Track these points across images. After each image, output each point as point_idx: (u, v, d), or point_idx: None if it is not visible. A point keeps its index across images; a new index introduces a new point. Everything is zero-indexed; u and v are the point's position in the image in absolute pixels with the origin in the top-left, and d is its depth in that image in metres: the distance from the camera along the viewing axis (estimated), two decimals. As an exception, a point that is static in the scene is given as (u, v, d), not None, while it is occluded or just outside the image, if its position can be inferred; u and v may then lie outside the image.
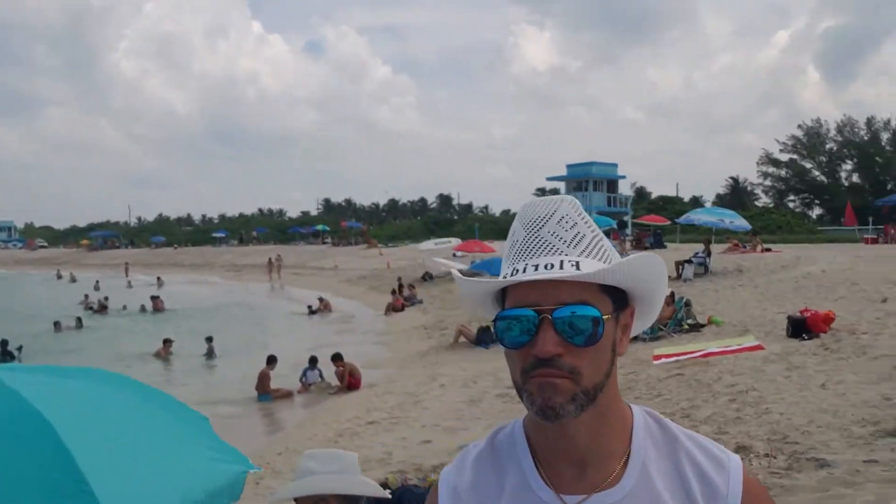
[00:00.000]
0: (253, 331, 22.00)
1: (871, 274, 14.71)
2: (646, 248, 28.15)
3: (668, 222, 33.59)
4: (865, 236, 28.08)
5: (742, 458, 4.11)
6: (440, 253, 30.29)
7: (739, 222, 18.79)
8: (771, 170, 61.65)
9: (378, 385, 12.31)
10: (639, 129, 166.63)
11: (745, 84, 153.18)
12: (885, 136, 57.84)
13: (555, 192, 53.60)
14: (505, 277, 1.03)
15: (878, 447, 5.35)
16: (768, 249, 23.04)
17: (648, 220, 34.61)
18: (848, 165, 60.21)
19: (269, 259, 43.49)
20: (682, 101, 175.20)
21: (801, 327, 9.57)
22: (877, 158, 57.33)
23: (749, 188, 66.31)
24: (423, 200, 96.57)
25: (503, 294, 1.06)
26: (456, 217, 76.04)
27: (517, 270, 1.01)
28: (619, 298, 1.04)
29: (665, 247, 28.46)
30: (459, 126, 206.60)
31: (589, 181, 45.31)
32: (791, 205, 60.76)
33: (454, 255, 30.15)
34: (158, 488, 2.39)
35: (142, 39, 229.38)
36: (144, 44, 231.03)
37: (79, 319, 23.56)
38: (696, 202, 62.79)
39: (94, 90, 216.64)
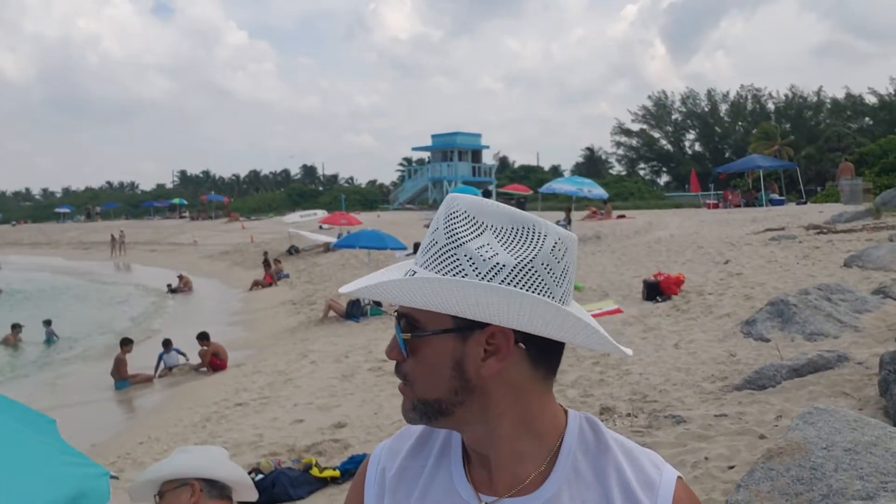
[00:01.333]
0: (104, 313, 20.65)
1: (714, 237, 15.87)
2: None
3: (531, 191, 34.64)
4: (707, 202, 30.25)
5: (606, 420, 4.16)
6: (306, 225, 29.65)
7: (597, 191, 19.68)
8: (623, 139, 65.00)
9: (245, 364, 11.90)
10: (500, 99, 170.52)
11: (598, 55, 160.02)
12: (723, 107, 62.41)
13: (421, 162, 53.88)
14: None
15: (726, 401, 5.77)
16: (623, 216, 24.32)
17: (512, 188, 35.56)
18: (691, 135, 64.55)
19: (112, 235, 40.95)
20: (540, 71, 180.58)
21: (655, 290, 10.17)
22: (716, 128, 61.84)
23: (604, 157, 69.68)
24: (286, 171, 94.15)
25: None
26: (321, 188, 74.68)
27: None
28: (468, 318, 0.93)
29: (528, 215, 29.35)
30: (321, 95, 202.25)
31: (454, 151, 45.81)
32: (642, 172, 64.46)
33: (320, 227, 29.61)
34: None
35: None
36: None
37: None
38: (556, 171, 65.25)
39: None
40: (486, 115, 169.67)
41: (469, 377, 0.94)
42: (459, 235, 0.92)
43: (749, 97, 61.10)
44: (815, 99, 56.55)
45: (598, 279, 13.05)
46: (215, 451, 2.60)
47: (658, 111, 63.65)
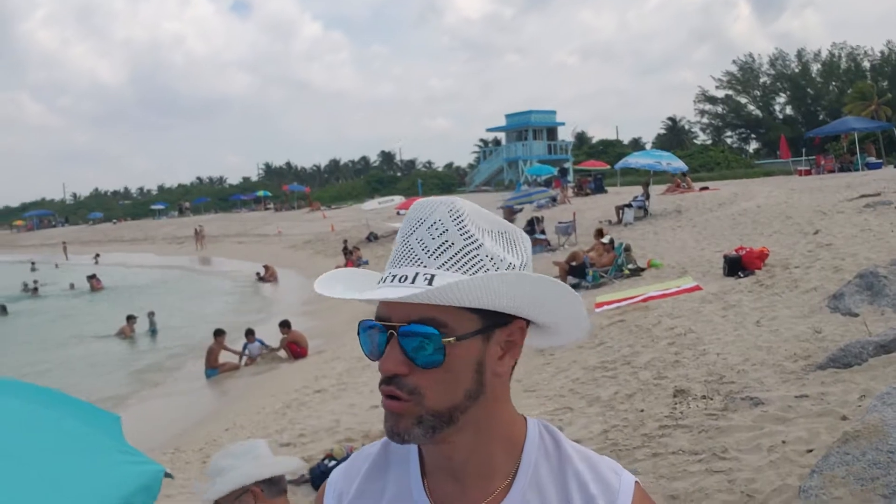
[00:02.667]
0: (197, 304, 21.58)
1: (804, 206, 15.09)
2: (587, 194, 28.42)
3: (608, 166, 33.90)
4: (799, 168, 28.76)
5: (679, 403, 4.03)
6: (384, 212, 30.03)
7: (676, 163, 19.03)
8: (707, 107, 62.61)
9: (325, 351, 12.20)
10: (575, 73, 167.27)
11: (677, 21, 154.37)
12: (814, 67, 59.14)
13: (497, 143, 53.55)
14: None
15: (808, 381, 5.48)
16: (706, 188, 23.47)
17: (588, 165, 34.87)
18: (781, 98, 61.52)
19: (195, 230, 42.63)
20: (615, 42, 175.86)
21: (736, 265, 9.76)
22: (808, 90, 58.68)
23: (687, 126, 67.34)
24: (364, 159, 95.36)
25: None
26: (399, 174, 75.34)
27: (384, 279, 0.95)
28: (496, 313, 0.93)
29: (606, 191, 28.77)
30: (396, 81, 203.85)
31: (528, 130, 45.24)
32: (728, 140, 61.98)
33: (397, 213, 29.94)
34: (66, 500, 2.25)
35: (58, 6, 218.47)
36: (61, 10, 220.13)
37: (2, 307, 22.49)
38: (637, 144, 63.60)
39: (10, 63, 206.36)
40: (561, 90, 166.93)
41: (485, 379, 0.94)
42: (475, 237, 0.93)
43: (842, 55, 57.61)
44: (915, 53, 52.78)
45: (678, 255, 12.66)
46: (259, 447, 2.63)
47: (744, 75, 60.90)
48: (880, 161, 26.16)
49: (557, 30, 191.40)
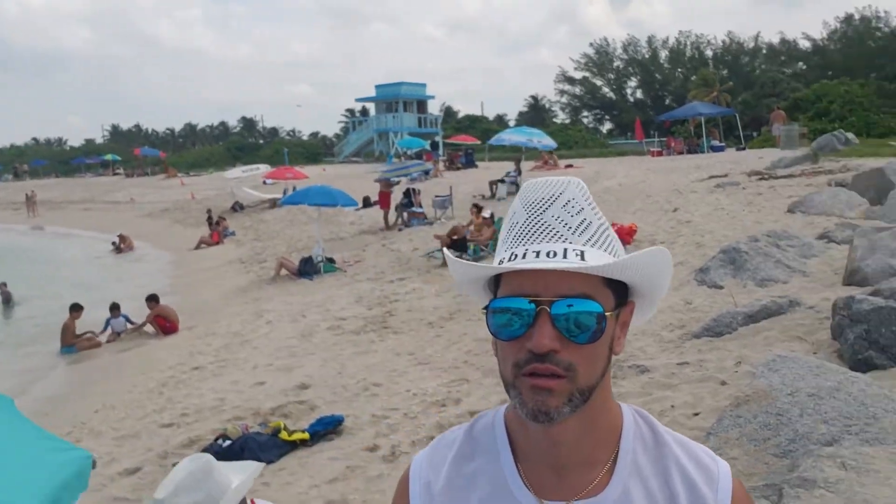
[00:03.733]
0: (49, 275, 19.93)
1: (660, 186, 16.16)
2: (458, 168, 28.86)
3: (478, 142, 34.53)
4: (651, 149, 30.72)
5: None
6: (249, 181, 28.98)
7: (546, 141, 19.74)
8: (567, 87, 65.12)
9: (197, 326, 11.69)
10: (442, 47, 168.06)
11: (538, 0, 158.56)
12: (663, 53, 62.94)
13: (365, 113, 52.89)
14: (502, 262, 0.93)
15: (686, 349, 5.94)
16: (570, 165, 24.52)
17: (459, 139, 35.36)
18: (633, 82, 65.03)
19: (26, 195, 39.30)
20: (479, 17, 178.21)
21: (608, 240, 10.31)
22: (657, 76, 62.44)
23: (548, 105, 69.74)
24: (223, 125, 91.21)
25: (496, 279, 0.97)
26: (262, 141, 72.85)
27: (515, 256, 0.92)
28: (621, 293, 0.96)
29: (476, 166, 29.34)
30: (256, 44, 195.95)
31: (399, 102, 45.10)
32: (585, 121, 64.83)
33: (264, 182, 29.01)
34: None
35: None
36: None
37: None
38: (501, 121, 65.10)
39: None
40: (429, 64, 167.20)
41: (611, 356, 0.95)
42: (602, 216, 0.97)
43: (688, 43, 61.73)
44: (751, 45, 57.52)
45: (551, 230, 13.16)
46: (204, 470, 2.40)
47: (600, 59, 63.81)
48: (723, 144, 28.44)
49: (424, 1, 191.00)
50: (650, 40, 63.41)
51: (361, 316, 10.02)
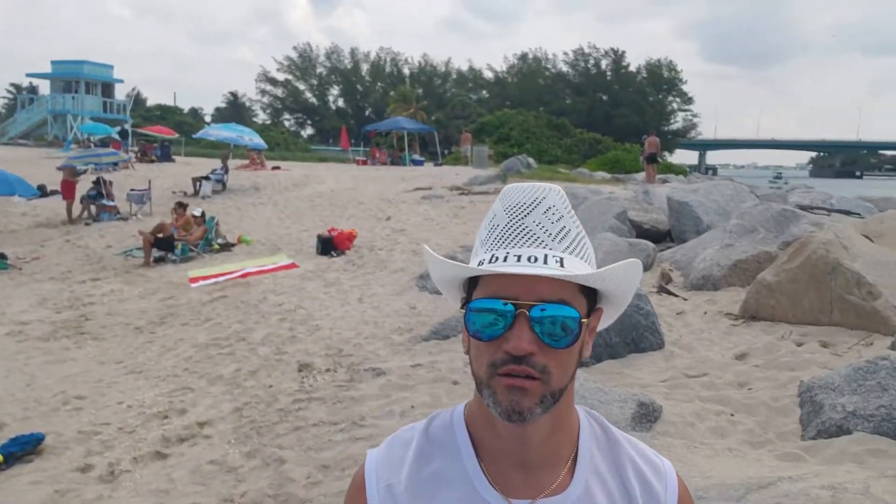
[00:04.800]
0: None
1: (371, 194, 16.69)
2: (152, 161, 26.72)
3: (176, 135, 32.32)
4: (357, 158, 31.55)
5: (306, 377, 4.34)
6: None
7: (257, 140, 19.17)
8: (268, 87, 64.29)
9: None
10: (130, 28, 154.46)
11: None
12: (364, 66, 65.30)
13: (34, 90, 46.37)
14: (482, 263, 0.94)
15: (417, 352, 6.21)
16: (278, 167, 24.14)
17: (155, 131, 32.64)
18: (335, 90, 66.41)
19: None
20: (175, 2, 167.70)
21: (329, 245, 10.38)
22: (358, 87, 64.57)
23: (248, 104, 68.00)
24: None
25: (473, 279, 0.96)
26: None
27: (496, 258, 0.93)
28: (592, 299, 0.99)
29: (173, 160, 27.42)
30: None
31: (80, 82, 40.35)
32: (287, 123, 64.51)
33: None
34: None
35: None
36: None
37: None
38: (196, 114, 61.84)
39: None
40: (115, 44, 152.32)
41: (579, 360, 0.97)
42: (579, 224, 0.98)
43: (388, 59, 64.88)
44: (443, 69, 62.37)
45: (264, 232, 12.84)
46: None
47: (303, 63, 64.13)
48: (422, 159, 30.32)
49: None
50: (353, 52, 65.47)
51: (49, 320, 8.76)
